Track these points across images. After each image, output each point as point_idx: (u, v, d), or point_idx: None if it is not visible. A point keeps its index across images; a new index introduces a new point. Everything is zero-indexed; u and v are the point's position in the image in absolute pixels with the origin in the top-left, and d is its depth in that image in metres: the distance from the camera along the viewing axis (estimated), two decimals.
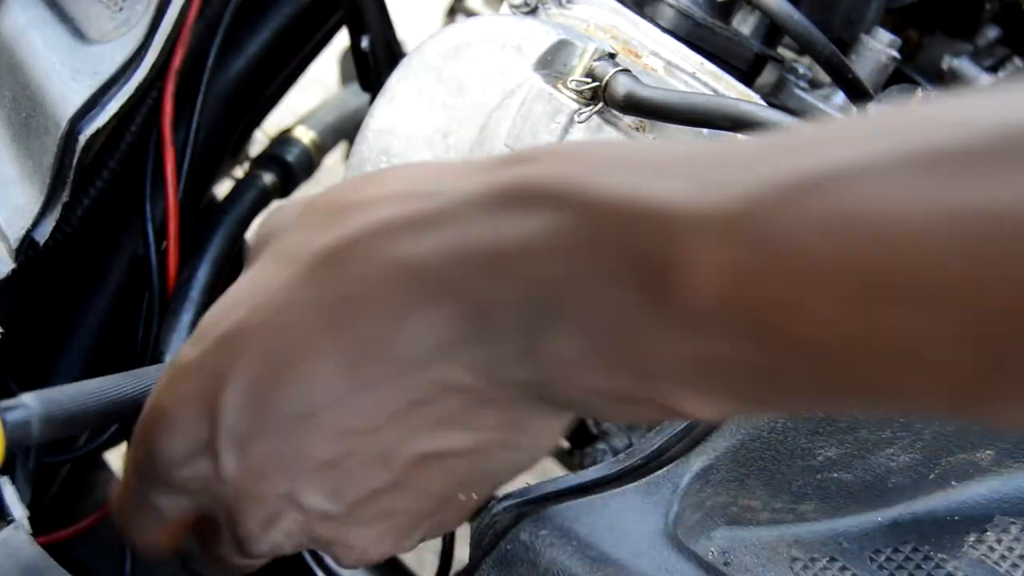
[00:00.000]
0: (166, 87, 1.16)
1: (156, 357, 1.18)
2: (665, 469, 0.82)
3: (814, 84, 1.16)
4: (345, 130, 1.59)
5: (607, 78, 0.92)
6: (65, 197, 1.04)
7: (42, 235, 1.04)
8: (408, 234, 0.52)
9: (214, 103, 1.29)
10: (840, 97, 1.13)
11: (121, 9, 1.10)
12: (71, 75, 1.04)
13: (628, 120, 0.97)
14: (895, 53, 1.14)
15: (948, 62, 1.25)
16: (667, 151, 0.50)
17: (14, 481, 0.81)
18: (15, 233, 1.02)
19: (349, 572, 1.23)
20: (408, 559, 1.54)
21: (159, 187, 1.22)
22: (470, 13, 1.58)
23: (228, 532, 0.60)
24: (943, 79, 1.26)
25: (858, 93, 1.00)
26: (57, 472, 1.22)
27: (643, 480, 0.82)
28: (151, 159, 1.22)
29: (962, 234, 0.39)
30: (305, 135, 1.47)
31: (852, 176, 0.42)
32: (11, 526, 0.74)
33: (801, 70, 1.15)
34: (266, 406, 0.55)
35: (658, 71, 1.03)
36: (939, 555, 0.78)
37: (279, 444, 0.56)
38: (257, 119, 1.41)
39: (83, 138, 1.03)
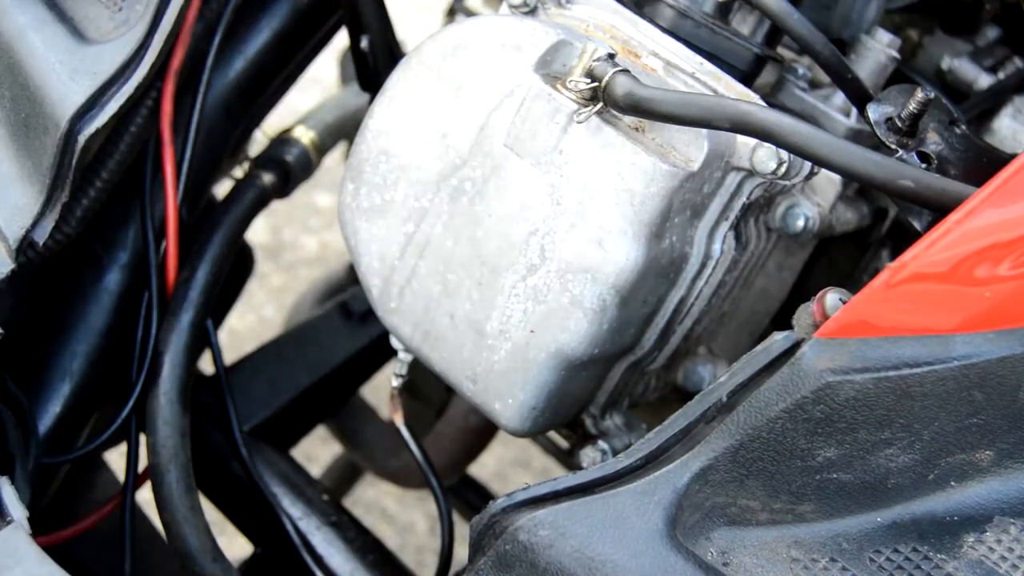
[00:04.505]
0: (165, 87, 1.16)
1: (155, 357, 1.18)
2: (665, 469, 0.82)
3: (814, 84, 1.16)
4: (345, 130, 1.59)
5: (606, 78, 0.92)
6: (64, 197, 1.04)
7: (42, 235, 1.04)
8: None
9: (214, 103, 1.29)
10: (840, 97, 1.13)
11: (120, 9, 1.10)
12: (70, 75, 1.04)
13: (627, 120, 0.97)
14: (895, 53, 1.14)
15: (948, 62, 1.25)
16: None
17: (14, 481, 0.81)
18: (15, 233, 1.02)
19: (348, 571, 1.23)
20: (408, 559, 1.54)
21: (159, 187, 1.22)
22: (470, 13, 1.58)
23: None
24: (943, 79, 1.26)
25: (858, 93, 1.00)
26: (57, 472, 1.22)
27: (643, 480, 0.82)
28: (151, 159, 1.22)
29: None
30: (305, 135, 1.47)
31: None
32: (11, 526, 0.74)
33: (801, 70, 1.15)
34: None
35: (658, 71, 1.03)
36: (939, 556, 0.77)
37: None
38: (257, 119, 1.41)
39: (82, 138, 1.03)
